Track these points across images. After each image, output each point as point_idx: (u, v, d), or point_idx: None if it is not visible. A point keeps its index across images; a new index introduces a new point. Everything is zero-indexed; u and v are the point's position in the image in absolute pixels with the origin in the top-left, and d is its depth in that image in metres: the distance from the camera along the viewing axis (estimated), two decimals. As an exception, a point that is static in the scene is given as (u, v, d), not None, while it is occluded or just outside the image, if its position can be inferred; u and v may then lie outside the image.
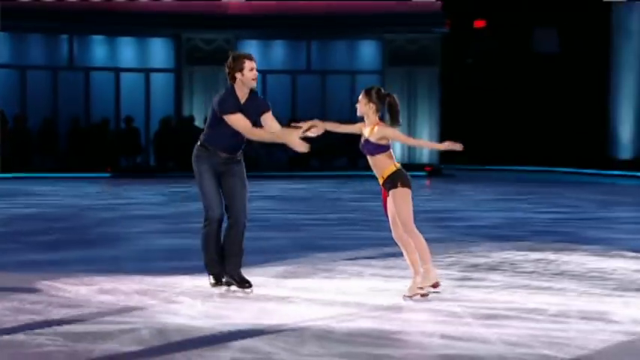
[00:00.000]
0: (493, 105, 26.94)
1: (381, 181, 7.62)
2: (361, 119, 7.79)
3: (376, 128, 7.57)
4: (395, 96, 7.73)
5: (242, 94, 7.88)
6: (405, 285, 7.79)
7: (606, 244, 11.26)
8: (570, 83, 26.47)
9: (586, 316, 6.85)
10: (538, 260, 9.86)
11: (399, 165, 7.63)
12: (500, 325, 6.74)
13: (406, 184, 7.51)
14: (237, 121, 7.74)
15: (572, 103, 26.47)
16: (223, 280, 7.95)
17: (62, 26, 26.15)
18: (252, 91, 7.92)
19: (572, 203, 17.33)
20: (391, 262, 9.48)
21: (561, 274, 8.95)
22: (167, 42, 27.24)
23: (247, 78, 7.81)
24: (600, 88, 26.28)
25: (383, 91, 7.75)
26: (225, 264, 7.90)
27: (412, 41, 26.31)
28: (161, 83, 27.29)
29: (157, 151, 26.49)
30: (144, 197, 19.02)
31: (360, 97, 7.71)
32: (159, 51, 27.45)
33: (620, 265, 9.56)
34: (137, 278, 8.57)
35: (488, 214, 15.14)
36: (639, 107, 25.98)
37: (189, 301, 7.53)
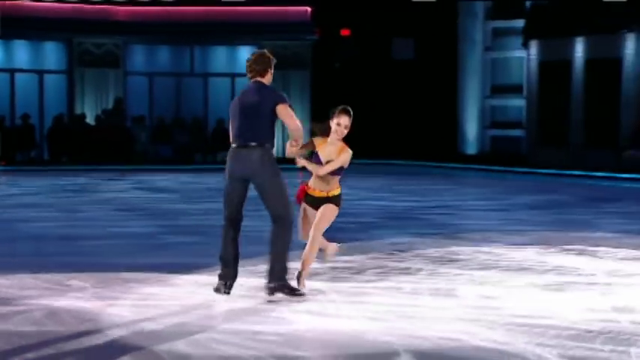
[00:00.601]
0: (358, 105, 27.24)
1: (321, 195, 7.07)
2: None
3: (346, 153, 7.06)
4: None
5: None
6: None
7: (454, 229, 11.52)
8: (424, 87, 27.03)
9: (435, 293, 7.00)
10: (394, 244, 10.02)
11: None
12: (362, 302, 6.83)
13: (339, 205, 7.18)
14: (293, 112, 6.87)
15: (426, 104, 27.01)
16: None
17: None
18: None
19: (427, 193, 17.69)
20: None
21: (417, 256, 9.12)
22: (60, 45, 26.61)
23: (270, 79, 7.08)
24: (450, 91, 26.94)
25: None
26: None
27: (286, 47, 26.43)
28: (54, 84, 26.66)
29: (51, 146, 25.87)
30: (34, 188, 18.54)
31: (347, 120, 7.03)
32: (52, 54, 26.80)
33: (465, 248, 9.80)
34: (30, 263, 8.35)
35: (358, 202, 15.32)
36: (482, 109, 26.72)
37: (79, 284, 7.39)
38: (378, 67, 27.68)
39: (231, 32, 26.41)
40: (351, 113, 7.09)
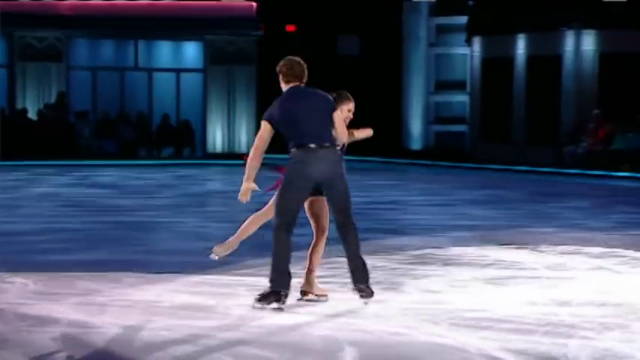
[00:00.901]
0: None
1: None
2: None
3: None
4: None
5: None
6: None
7: (399, 224, 11.59)
8: (369, 83, 27.12)
9: (379, 288, 7.03)
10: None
11: None
12: (308, 297, 6.84)
13: None
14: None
15: (371, 100, 27.09)
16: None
17: None
18: None
19: (372, 188, 17.75)
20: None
21: (362, 252, 9.14)
22: (0, 39, 26.16)
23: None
24: (394, 87, 27.09)
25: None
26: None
27: (231, 43, 26.33)
28: (-5, 78, 26.20)
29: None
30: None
31: (352, 105, 6.97)
32: (-8, 48, 26.33)
33: (411, 242, 9.87)
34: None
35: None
36: (427, 105, 26.93)
37: (20, 282, 7.28)
38: (324, 63, 27.70)
39: (176, 27, 26.21)
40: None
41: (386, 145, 26.00)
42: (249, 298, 6.66)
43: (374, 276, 7.29)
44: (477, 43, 24.78)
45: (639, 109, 20.84)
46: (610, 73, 21.81)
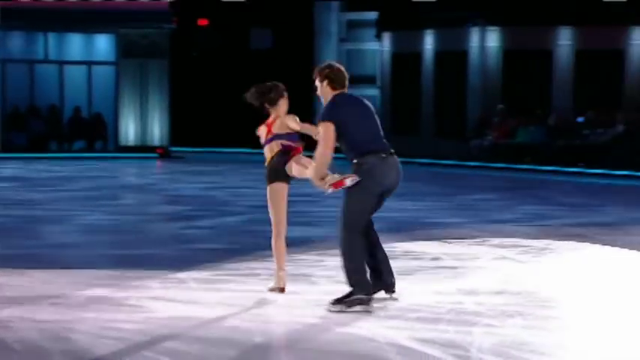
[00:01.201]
0: (216, 94, 27.10)
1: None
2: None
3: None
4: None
5: None
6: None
7: (310, 216, 11.61)
8: (282, 77, 26.99)
9: (291, 279, 7.06)
10: (252, 232, 10.04)
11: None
12: (219, 289, 6.82)
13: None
14: None
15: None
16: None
17: None
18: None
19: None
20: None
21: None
22: None
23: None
24: (307, 81, 27.06)
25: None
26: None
27: (143, 36, 26.00)
28: None
29: None
30: None
31: None
32: None
33: (321, 234, 9.91)
34: None
35: (214, 192, 15.26)
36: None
37: None
38: (236, 56, 27.61)
39: (88, 19, 25.77)
40: None
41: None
42: (160, 290, 6.61)
43: (290, 267, 7.31)
44: (386, 39, 25.02)
45: (540, 104, 21.38)
46: (513, 69, 22.30)
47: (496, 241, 9.46)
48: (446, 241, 9.44)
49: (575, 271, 7.96)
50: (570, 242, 9.38)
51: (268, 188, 6.73)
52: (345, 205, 6.39)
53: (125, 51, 26.19)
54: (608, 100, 20.77)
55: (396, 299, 6.52)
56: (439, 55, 23.60)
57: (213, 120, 26.79)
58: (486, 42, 22.74)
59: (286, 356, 5.26)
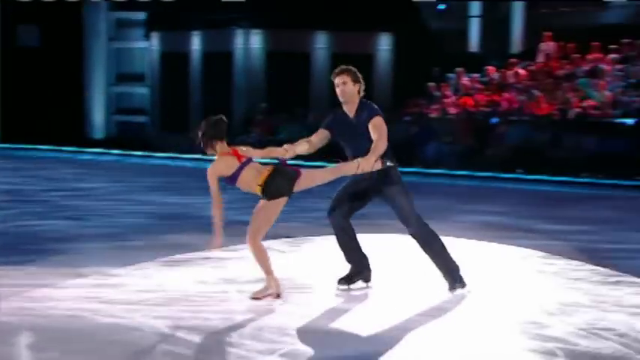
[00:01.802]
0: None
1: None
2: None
3: None
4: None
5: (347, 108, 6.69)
6: None
7: (82, 210, 11.40)
8: (51, 75, 26.24)
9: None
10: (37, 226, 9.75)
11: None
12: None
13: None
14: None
15: (53, 91, 26.26)
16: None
17: None
18: (360, 102, 6.67)
19: (55, 177, 17.24)
20: None
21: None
22: None
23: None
24: (76, 78, 26.43)
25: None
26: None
27: None
28: None
29: None
30: None
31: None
32: None
33: (89, 226, 9.77)
34: None
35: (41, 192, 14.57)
36: (108, 96, 26.59)
37: None
38: (3, 53, 26.38)
39: None
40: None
41: (69, 135, 25.36)
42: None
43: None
44: (155, 38, 24.87)
45: (299, 103, 22.14)
46: (275, 70, 22.90)
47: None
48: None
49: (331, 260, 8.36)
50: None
51: (270, 202, 6.35)
52: (407, 204, 6.62)
53: None
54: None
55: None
56: (206, 55, 23.80)
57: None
58: (250, 44, 23.20)
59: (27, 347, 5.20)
